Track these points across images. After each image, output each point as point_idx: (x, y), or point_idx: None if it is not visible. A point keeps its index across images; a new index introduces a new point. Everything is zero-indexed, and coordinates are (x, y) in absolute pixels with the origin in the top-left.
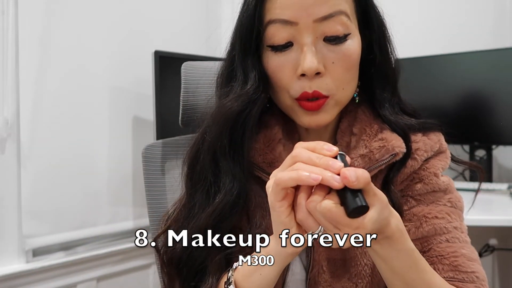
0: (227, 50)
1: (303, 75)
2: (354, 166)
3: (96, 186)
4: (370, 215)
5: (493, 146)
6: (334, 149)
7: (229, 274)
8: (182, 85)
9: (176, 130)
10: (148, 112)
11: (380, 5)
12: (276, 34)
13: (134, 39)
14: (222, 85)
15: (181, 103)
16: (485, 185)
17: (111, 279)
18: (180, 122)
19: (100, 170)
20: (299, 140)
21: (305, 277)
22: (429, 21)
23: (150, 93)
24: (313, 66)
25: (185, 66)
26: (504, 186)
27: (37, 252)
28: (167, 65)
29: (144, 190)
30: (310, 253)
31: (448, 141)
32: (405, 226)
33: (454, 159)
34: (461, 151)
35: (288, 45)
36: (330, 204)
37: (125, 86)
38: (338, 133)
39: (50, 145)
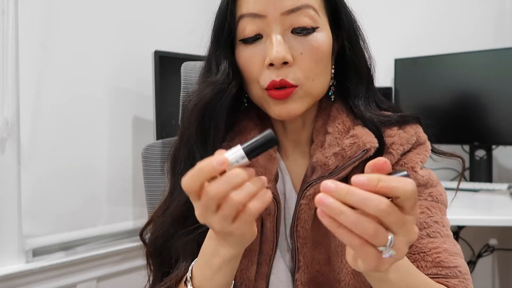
0: (208, 46)
1: (271, 65)
2: (328, 164)
3: (96, 186)
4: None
5: (493, 146)
6: (223, 158)
7: (188, 274)
8: (182, 85)
9: (176, 130)
10: (148, 112)
11: (382, 5)
12: (246, 27)
13: (134, 39)
14: (202, 75)
15: (180, 103)
16: (485, 185)
17: (111, 279)
18: (180, 122)
19: (100, 170)
20: (278, 143)
21: (291, 278)
22: (429, 21)
23: (150, 93)
24: (280, 55)
25: (185, 66)
26: (504, 186)
27: (37, 252)
28: (167, 65)
29: (144, 190)
30: (295, 255)
31: (448, 141)
32: None
33: (434, 151)
34: (461, 151)
35: (257, 38)
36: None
37: (125, 86)
38: (314, 132)
39: (50, 145)
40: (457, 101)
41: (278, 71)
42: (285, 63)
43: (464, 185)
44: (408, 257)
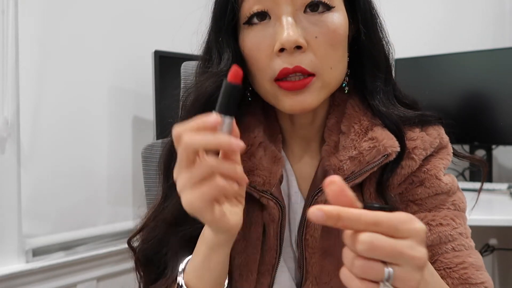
0: (206, 33)
1: (281, 50)
2: (343, 169)
3: (96, 186)
4: None
5: (493, 146)
6: (212, 120)
7: (179, 279)
8: (181, 85)
9: None
10: (148, 112)
11: (381, 4)
12: (251, 7)
13: (134, 39)
14: (200, 67)
15: (180, 103)
16: (485, 185)
17: (111, 279)
18: (180, 122)
19: (100, 170)
20: (283, 142)
21: None
22: (429, 21)
23: (150, 93)
24: (292, 38)
25: (185, 66)
26: (504, 186)
27: (37, 252)
28: (167, 65)
29: (144, 190)
30: (302, 265)
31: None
32: None
33: (456, 154)
34: (461, 151)
35: (264, 16)
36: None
37: (125, 86)
38: (325, 131)
39: (50, 145)
40: (457, 101)
41: (290, 57)
42: (298, 47)
43: (464, 185)
44: None
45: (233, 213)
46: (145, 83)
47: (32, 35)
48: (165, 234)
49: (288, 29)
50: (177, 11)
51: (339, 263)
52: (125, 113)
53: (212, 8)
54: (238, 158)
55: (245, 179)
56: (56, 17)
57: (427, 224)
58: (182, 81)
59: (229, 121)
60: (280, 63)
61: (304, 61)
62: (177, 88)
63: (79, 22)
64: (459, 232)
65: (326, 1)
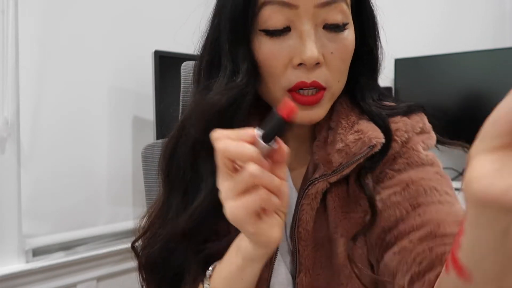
0: (209, 33)
1: (300, 64)
2: (332, 162)
3: (96, 186)
4: None
5: None
6: (249, 133)
7: (205, 285)
8: (181, 85)
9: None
10: (148, 112)
11: (381, 4)
12: (272, 17)
13: (134, 39)
14: (205, 74)
15: (180, 103)
16: None
17: (111, 279)
18: (185, 122)
19: (100, 170)
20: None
21: (292, 281)
22: (429, 21)
23: (150, 93)
24: (314, 55)
25: (185, 66)
26: None
27: (37, 252)
28: (167, 65)
29: (144, 190)
30: (296, 257)
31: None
32: (385, 192)
33: (439, 140)
34: (461, 151)
35: (285, 30)
36: None
37: (125, 86)
38: (316, 127)
39: (50, 145)
40: (457, 101)
41: (308, 72)
42: (317, 63)
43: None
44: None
45: (273, 227)
46: (145, 83)
47: (32, 35)
48: (173, 243)
49: (311, 46)
50: (177, 11)
51: (330, 256)
52: (125, 113)
53: (225, 11)
54: (283, 173)
55: (285, 194)
56: (56, 17)
57: (410, 180)
58: (182, 81)
59: (268, 149)
60: (298, 75)
61: (320, 76)
62: (177, 88)
63: (79, 22)
64: (445, 191)
65: (342, 22)
